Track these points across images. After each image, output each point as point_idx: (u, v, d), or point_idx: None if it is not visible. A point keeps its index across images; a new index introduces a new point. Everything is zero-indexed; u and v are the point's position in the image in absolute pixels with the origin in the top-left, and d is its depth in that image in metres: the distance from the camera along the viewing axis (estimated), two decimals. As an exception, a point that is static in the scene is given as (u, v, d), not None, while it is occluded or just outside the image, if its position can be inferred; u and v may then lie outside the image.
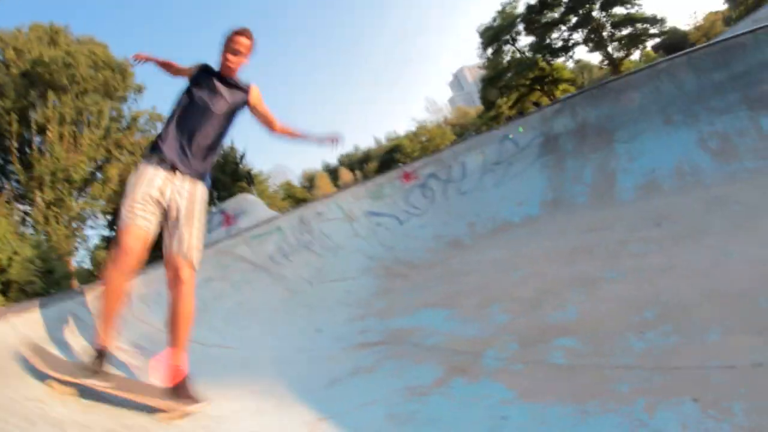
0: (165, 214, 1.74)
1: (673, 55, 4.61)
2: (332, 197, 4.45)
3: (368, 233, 4.11)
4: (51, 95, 13.16)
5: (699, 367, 1.25)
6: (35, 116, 12.89)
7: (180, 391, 1.55)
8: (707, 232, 2.42)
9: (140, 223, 1.65)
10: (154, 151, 1.77)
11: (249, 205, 9.07)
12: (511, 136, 5.32)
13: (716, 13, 31.74)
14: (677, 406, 1.10)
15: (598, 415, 1.16)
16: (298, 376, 1.96)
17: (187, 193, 1.76)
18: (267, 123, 2.06)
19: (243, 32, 1.92)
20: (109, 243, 15.38)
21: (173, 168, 1.75)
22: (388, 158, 36.46)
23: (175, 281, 1.67)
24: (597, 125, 4.74)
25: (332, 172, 42.01)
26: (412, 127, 43.40)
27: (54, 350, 1.78)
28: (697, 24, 33.14)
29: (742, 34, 4.09)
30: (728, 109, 3.75)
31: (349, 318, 2.74)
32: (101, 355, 1.54)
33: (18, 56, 13.34)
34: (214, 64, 1.96)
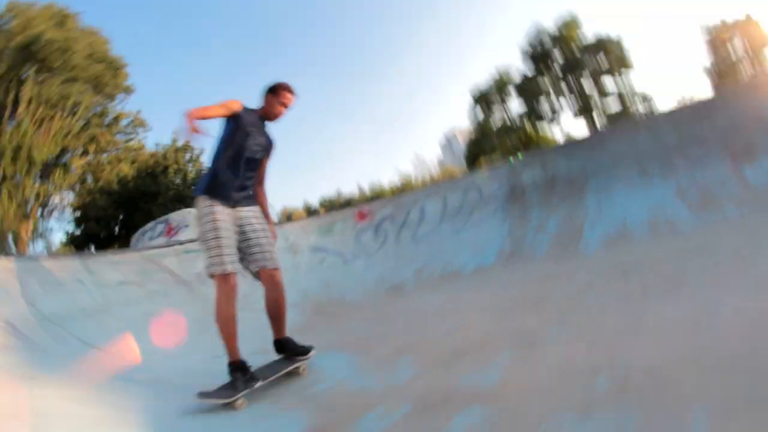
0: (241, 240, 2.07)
1: (654, 114, 4.75)
2: (279, 226, 4.20)
3: (309, 268, 3.83)
4: (39, 72, 12.89)
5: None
6: (20, 91, 12.58)
7: (295, 350, 2.10)
8: (684, 283, 2.15)
9: (235, 266, 2.01)
10: (217, 191, 2.01)
11: (194, 219, 8.78)
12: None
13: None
14: None
15: None
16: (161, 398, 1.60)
17: (254, 218, 2.10)
18: (260, 178, 2.27)
19: (292, 90, 2.22)
20: (74, 243, 14.64)
21: (236, 204, 2.05)
22: (367, 207, 37.11)
23: (273, 286, 2.14)
24: (568, 177, 4.73)
25: (311, 212, 42.12)
26: (396, 180, 44.63)
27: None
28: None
29: (725, 89, 4.25)
30: (708, 161, 3.74)
31: (253, 350, 2.38)
32: (243, 366, 1.91)
33: (22, 29, 13.19)
34: (250, 101, 2.19)
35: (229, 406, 1.70)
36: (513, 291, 2.98)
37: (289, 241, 4.04)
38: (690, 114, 4.21)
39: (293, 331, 2.84)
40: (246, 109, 2.14)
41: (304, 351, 2.10)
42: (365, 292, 3.71)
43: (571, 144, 5.19)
